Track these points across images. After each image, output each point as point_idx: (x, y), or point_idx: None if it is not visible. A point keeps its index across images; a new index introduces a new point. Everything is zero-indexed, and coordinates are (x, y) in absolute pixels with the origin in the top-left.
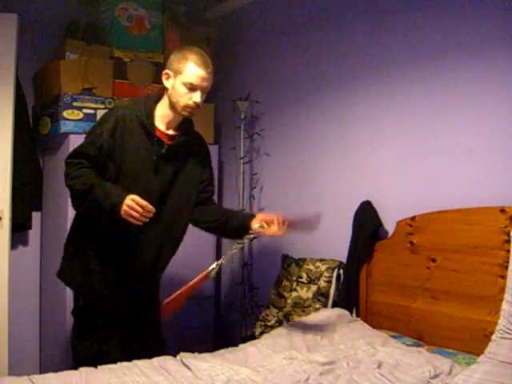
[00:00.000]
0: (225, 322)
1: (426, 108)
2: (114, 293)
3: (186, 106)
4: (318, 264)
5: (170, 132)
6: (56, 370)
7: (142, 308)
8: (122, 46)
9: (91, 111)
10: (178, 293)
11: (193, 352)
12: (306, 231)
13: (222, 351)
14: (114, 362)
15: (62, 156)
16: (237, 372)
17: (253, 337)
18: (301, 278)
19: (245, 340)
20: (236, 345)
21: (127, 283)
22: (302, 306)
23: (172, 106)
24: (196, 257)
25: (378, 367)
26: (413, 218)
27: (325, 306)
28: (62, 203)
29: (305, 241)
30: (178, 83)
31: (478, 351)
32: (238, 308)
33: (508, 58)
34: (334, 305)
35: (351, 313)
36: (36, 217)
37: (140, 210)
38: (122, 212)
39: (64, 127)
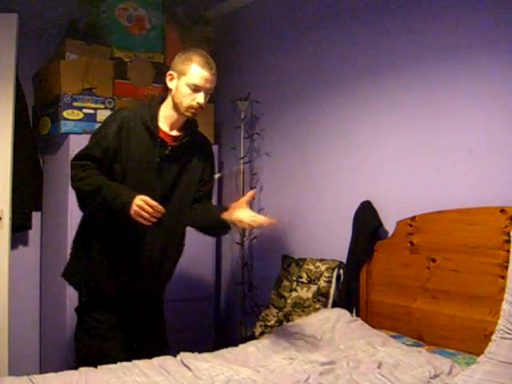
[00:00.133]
0: (225, 321)
1: (426, 108)
2: (119, 292)
3: (190, 107)
4: (317, 264)
5: (174, 133)
6: (56, 370)
7: (146, 308)
8: (121, 46)
9: (91, 111)
10: None
11: (193, 352)
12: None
13: (221, 351)
14: (115, 360)
15: (62, 156)
16: (237, 372)
17: (253, 337)
18: (301, 277)
19: (245, 340)
20: (236, 345)
21: (132, 283)
22: (302, 306)
23: (175, 106)
24: (196, 257)
25: (378, 367)
26: (413, 218)
27: (325, 306)
28: (62, 203)
29: (305, 241)
30: (182, 84)
31: (478, 351)
32: (237, 308)
33: (508, 58)
34: (334, 305)
35: (351, 313)
36: (36, 217)
37: (150, 210)
38: (132, 212)
39: (64, 127)
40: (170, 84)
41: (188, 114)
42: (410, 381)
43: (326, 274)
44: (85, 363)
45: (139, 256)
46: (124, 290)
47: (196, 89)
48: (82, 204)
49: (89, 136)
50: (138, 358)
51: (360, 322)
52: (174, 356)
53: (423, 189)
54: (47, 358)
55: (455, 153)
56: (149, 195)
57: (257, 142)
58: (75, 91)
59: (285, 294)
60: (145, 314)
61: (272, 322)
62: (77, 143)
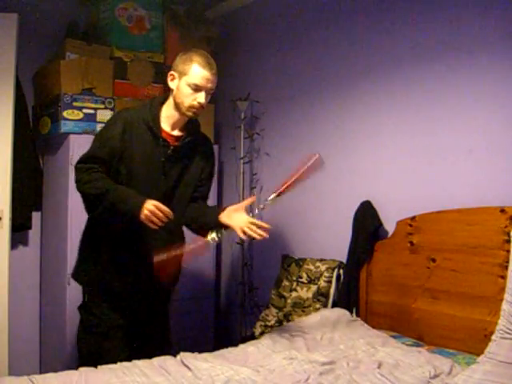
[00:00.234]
0: (225, 321)
1: (426, 108)
2: (125, 290)
3: (191, 107)
4: (318, 264)
5: (176, 133)
6: (56, 370)
7: (152, 307)
8: (122, 45)
9: (91, 111)
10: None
11: (193, 352)
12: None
13: (221, 351)
14: (117, 358)
15: (62, 156)
16: (237, 372)
17: (253, 337)
18: (301, 277)
19: (245, 340)
20: (236, 345)
21: (138, 281)
22: (302, 306)
23: (177, 106)
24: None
25: (378, 367)
26: (413, 218)
27: (325, 306)
28: (62, 203)
29: (305, 241)
30: (183, 84)
31: (478, 351)
32: (237, 308)
33: (508, 58)
34: (334, 305)
35: (351, 313)
36: (36, 217)
37: (161, 215)
38: (143, 216)
39: (64, 127)
40: (171, 84)
41: (189, 113)
42: (410, 381)
43: (326, 274)
44: (86, 361)
45: (144, 255)
46: (130, 287)
47: (197, 88)
48: (89, 207)
49: (89, 136)
50: (141, 357)
51: (360, 322)
52: (174, 356)
53: (423, 189)
54: (47, 358)
55: (455, 153)
56: (152, 195)
57: (257, 142)
58: (75, 91)
59: (285, 294)
60: (150, 314)
61: (272, 322)
62: (77, 143)
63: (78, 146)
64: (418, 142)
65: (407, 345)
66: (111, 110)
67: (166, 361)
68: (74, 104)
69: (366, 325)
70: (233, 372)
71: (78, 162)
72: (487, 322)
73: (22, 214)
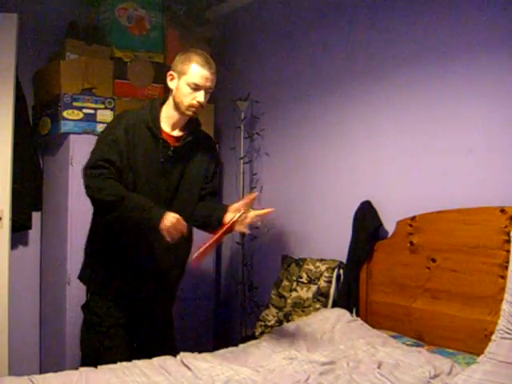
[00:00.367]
0: (225, 321)
1: (426, 108)
2: (130, 288)
3: (190, 106)
4: (318, 264)
5: (176, 133)
6: (56, 370)
7: (156, 307)
8: (122, 46)
9: (91, 111)
10: (207, 245)
11: (193, 352)
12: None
13: (221, 351)
14: (118, 358)
15: (61, 156)
16: (237, 372)
17: (253, 337)
18: (301, 278)
19: (245, 340)
20: (236, 345)
21: (144, 280)
22: (302, 306)
23: (176, 106)
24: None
25: (378, 367)
26: (413, 218)
27: (325, 306)
28: (62, 203)
29: (305, 241)
30: (183, 84)
31: (478, 351)
32: (237, 308)
33: (508, 58)
34: (334, 305)
35: (351, 313)
36: (36, 217)
37: (182, 229)
38: (163, 227)
39: (64, 127)
40: (171, 84)
41: (189, 112)
42: (410, 381)
43: (326, 274)
44: (88, 360)
45: (149, 256)
46: (137, 286)
47: (196, 88)
48: (101, 212)
49: (89, 136)
50: (143, 357)
51: (360, 322)
52: (174, 356)
53: (423, 189)
54: (47, 358)
55: (455, 153)
56: (154, 196)
57: (257, 142)
58: (75, 91)
59: (285, 294)
60: (154, 313)
61: (272, 322)
62: (77, 143)
63: (78, 146)
64: (417, 141)
65: (407, 345)
66: (111, 110)
67: (166, 361)
68: (74, 104)
69: (366, 325)
70: (233, 372)
71: (87, 167)
72: (487, 322)
73: (22, 214)
